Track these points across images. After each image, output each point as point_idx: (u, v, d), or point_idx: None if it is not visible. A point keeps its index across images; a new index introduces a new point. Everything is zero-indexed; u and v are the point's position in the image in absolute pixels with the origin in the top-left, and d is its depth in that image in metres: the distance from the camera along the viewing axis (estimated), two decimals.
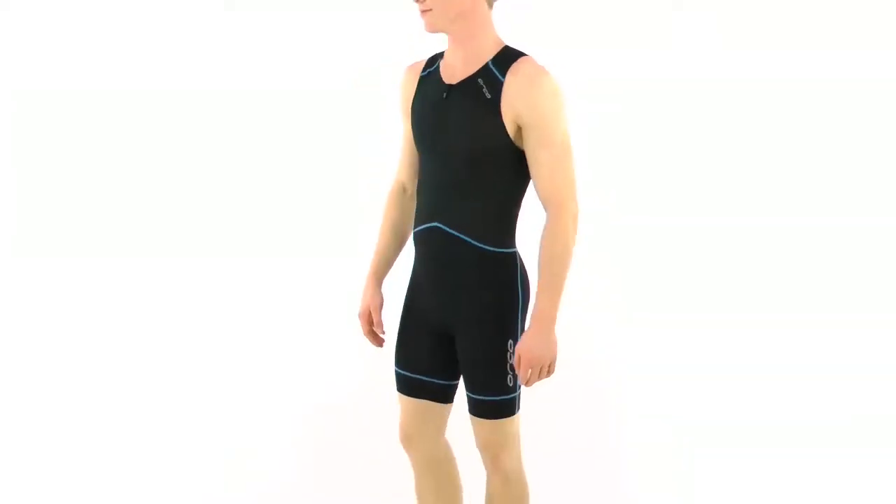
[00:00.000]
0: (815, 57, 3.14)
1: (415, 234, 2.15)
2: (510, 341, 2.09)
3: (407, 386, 2.22)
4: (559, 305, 2.02)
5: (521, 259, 2.11)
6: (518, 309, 2.10)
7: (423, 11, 2.00)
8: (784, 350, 3.24)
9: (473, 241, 2.06)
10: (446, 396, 2.23)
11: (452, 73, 2.06)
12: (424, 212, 2.11)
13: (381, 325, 2.31)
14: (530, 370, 2.01)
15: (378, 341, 2.32)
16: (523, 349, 2.01)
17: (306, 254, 3.28)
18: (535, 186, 2.03)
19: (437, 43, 2.15)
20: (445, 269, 2.11)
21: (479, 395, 2.11)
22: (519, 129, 2.00)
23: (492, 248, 2.07)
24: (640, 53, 3.18)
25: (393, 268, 2.29)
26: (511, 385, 2.11)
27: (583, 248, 3.18)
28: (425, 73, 2.12)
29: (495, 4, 2.05)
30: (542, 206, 2.04)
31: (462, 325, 2.10)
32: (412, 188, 2.23)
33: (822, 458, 3.10)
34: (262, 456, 3.14)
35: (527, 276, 2.12)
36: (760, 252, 3.23)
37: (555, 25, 3.19)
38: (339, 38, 3.22)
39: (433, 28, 2.01)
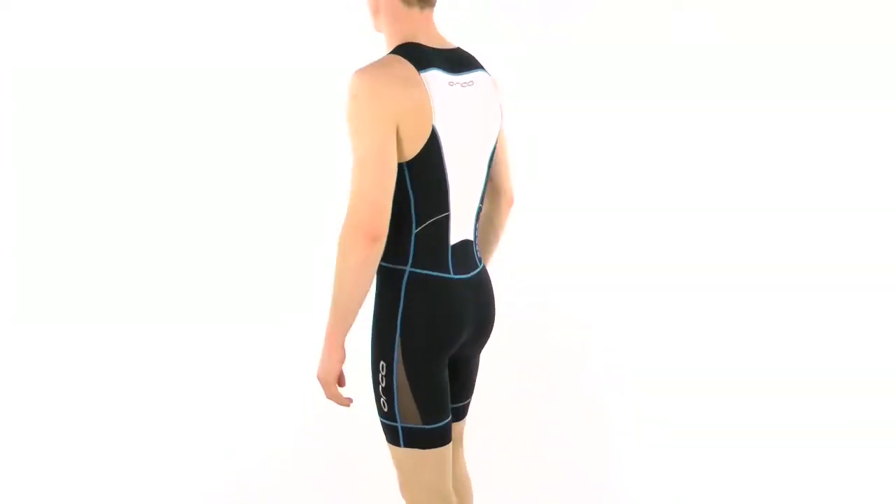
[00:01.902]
0: (816, 58, 3.15)
1: None
2: (382, 362, 1.99)
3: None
4: (338, 325, 1.90)
5: (421, 278, 1.96)
6: (394, 330, 1.96)
7: None
8: (784, 351, 3.25)
9: None
10: (458, 416, 2.24)
11: None
12: None
13: None
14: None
15: None
16: None
17: (303, 255, 3.29)
18: None
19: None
20: None
21: None
22: None
23: (384, 263, 1.97)
24: (641, 53, 3.18)
25: None
26: (386, 411, 2.00)
27: (581, 247, 3.24)
28: None
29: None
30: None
31: None
32: None
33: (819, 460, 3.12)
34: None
35: (418, 300, 1.96)
36: (758, 251, 3.24)
37: (554, 25, 3.19)
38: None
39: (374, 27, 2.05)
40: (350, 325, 1.92)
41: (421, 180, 1.91)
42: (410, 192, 1.92)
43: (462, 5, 3.12)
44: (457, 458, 2.31)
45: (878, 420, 3.18)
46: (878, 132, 3.17)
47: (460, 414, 2.26)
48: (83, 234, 3.30)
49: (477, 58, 2.07)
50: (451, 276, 2.00)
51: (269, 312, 3.30)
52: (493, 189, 2.19)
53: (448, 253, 1.99)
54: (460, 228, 2.01)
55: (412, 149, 1.89)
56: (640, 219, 3.25)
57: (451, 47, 2.02)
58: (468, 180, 2.00)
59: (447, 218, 1.97)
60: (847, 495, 3.05)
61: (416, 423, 1.99)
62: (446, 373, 2.05)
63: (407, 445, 2.01)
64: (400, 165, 1.89)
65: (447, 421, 2.04)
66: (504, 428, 3.18)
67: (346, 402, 2.00)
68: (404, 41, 1.96)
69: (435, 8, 1.99)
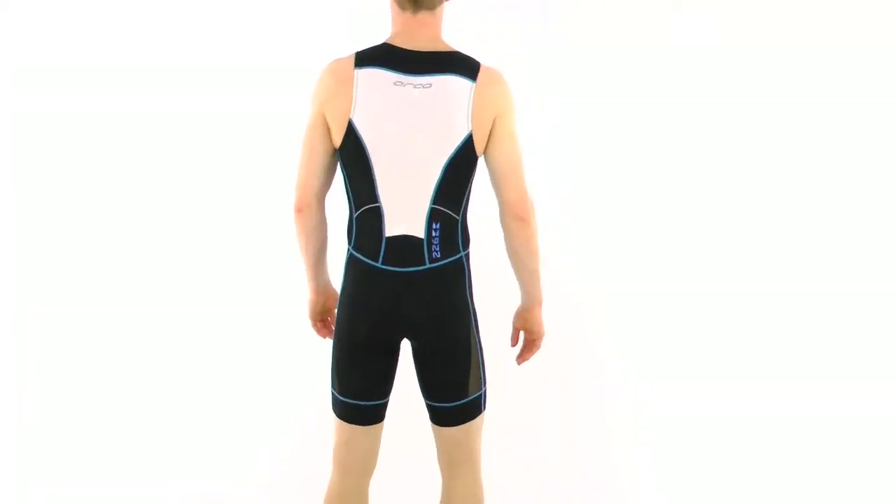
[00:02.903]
0: (815, 59, 3.15)
1: None
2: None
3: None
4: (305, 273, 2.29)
5: (355, 260, 2.15)
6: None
7: None
8: (783, 351, 3.25)
9: None
10: (436, 417, 2.32)
11: None
12: None
13: None
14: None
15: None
16: None
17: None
18: None
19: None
20: None
21: None
22: None
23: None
24: (640, 53, 3.18)
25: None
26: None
27: (579, 248, 3.24)
28: None
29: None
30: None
31: None
32: None
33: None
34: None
35: (348, 279, 2.17)
36: (757, 251, 3.23)
37: (554, 25, 3.19)
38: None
39: None
40: (309, 276, 2.29)
41: (349, 168, 2.12)
42: (345, 177, 2.14)
43: (463, 6, 3.12)
44: (449, 476, 2.31)
45: (878, 421, 3.18)
46: (879, 132, 3.17)
47: (437, 417, 2.25)
48: (83, 233, 3.29)
49: (471, 64, 2.10)
50: (379, 265, 2.11)
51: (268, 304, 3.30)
52: (498, 200, 2.21)
53: (381, 244, 2.11)
54: (398, 223, 2.10)
55: (337, 138, 2.10)
56: (638, 219, 3.25)
57: (430, 50, 2.09)
58: (405, 177, 2.08)
59: (378, 209, 2.10)
60: (845, 495, 3.06)
61: (333, 386, 2.24)
62: (371, 358, 2.17)
63: (332, 405, 2.26)
64: (338, 151, 2.13)
65: (359, 402, 2.20)
66: (498, 426, 3.18)
67: (322, 335, 2.37)
68: (385, 41, 2.12)
69: (435, 11, 2.09)
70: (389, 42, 2.11)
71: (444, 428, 2.24)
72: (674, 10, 3.17)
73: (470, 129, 2.08)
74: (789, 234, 3.22)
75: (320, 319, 2.36)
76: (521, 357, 2.38)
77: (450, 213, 2.11)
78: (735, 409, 3.22)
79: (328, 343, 2.30)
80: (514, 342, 2.38)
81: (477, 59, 2.14)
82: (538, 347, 2.36)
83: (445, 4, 2.13)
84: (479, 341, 2.22)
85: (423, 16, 2.09)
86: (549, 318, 3.20)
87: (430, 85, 2.06)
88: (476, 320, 2.22)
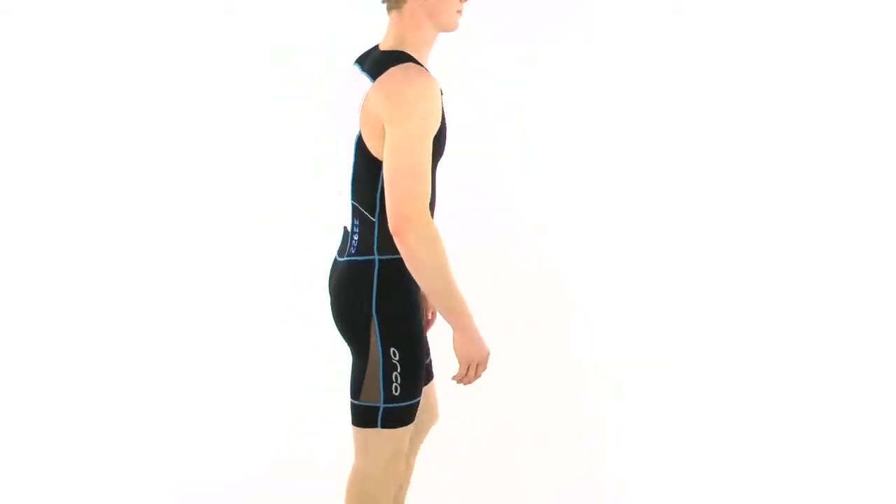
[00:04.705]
0: (816, 61, 3.14)
1: None
2: None
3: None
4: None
5: None
6: None
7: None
8: (774, 348, 3.24)
9: None
10: None
11: None
12: None
13: None
14: None
15: None
16: None
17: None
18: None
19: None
20: None
21: None
22: None
23: None
24: (640, 55, 3.18)
25: None
26: None
27: (574, 250, 3.24)
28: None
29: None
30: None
31: None
32: None
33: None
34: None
35: None
36: (755, 252, 3.23)
37: (553, 27, 3.19)
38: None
39: None
40: None
41: None
42: None
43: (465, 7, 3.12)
44: None
45: (878, 423, 3.17)
46: (880, 133, 3.16)
47: None
48: (82, 234, 3.31)
49: (385, 64, 2.02)
50: (336, 253, 2.26)
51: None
52: None
53: (344, 231, 2.23)
54: (345, 214, 2.16)
55: None
56: (637, 221, 3.24)
57: (382, 49, 2.11)
58: (340, 172, 2.14)
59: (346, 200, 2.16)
60: (841, 496, 3.05)
61: None
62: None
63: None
64: None
65: None
66: (483, 424, 3.19)
67: None
68: None
69: (389, 8, 2.11)
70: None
71: None
72: (674, 12, 3.17)
73: (359, 129, 2.03)
74: (786, 236, 3.22)
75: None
76: (457, 379, 2.17)
77: (365, 213, 2.09)
78: (724, 409, 3.23)
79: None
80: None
81: (406, 61, 2.02)
82: (467, 377, 2.14)
83: (420, 4, 2.06)
84: (392, 357, 2.07)
85: (392, 15, 2.12)
86: (538, 318, 3.23)
87: (356, 81, 2.08)
88: (390, 333, 2.08)
